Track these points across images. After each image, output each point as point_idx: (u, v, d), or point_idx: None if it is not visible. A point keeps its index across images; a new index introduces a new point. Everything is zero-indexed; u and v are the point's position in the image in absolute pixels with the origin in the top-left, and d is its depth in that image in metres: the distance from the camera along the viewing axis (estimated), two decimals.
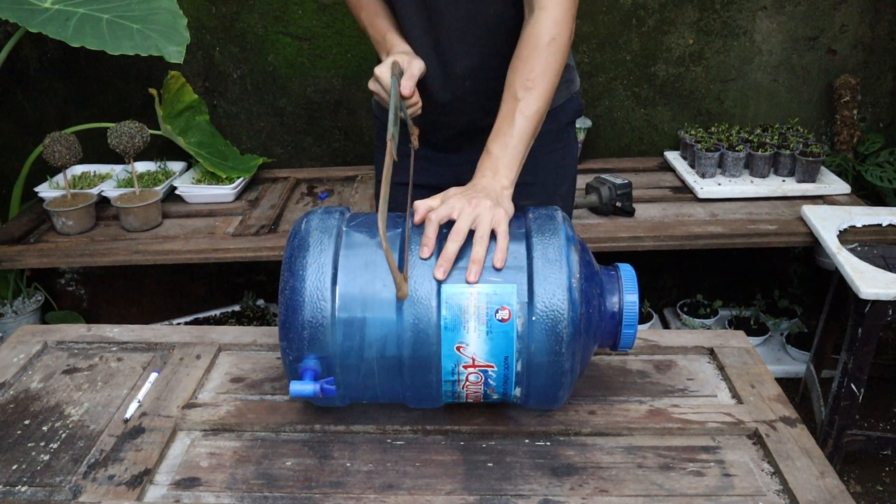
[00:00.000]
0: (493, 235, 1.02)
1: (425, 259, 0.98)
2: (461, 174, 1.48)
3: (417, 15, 1.34)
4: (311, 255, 0.99)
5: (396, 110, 1.19)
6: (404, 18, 1.37)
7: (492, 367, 0.99)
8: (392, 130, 1.11)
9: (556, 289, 0.97)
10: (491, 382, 1.01)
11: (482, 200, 1.04)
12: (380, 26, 1.39)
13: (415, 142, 1.36)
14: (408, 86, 1.27)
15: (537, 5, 1.22)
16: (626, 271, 1.07)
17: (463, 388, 1.02)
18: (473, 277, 0.97)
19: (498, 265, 0.98)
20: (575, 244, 1.02)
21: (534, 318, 0.97)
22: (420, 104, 1.35)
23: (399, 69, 1.29)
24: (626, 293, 1.05)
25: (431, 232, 1.00)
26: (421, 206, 1.05)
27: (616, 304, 1.05)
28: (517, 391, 1.03)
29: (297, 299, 0.97)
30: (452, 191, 1.09)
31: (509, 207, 1.07)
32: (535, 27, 1.21)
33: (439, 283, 0.97)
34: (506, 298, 0.97)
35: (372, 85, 1.32)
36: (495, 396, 1.05)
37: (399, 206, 1.57)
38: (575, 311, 0.97)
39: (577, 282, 0.98)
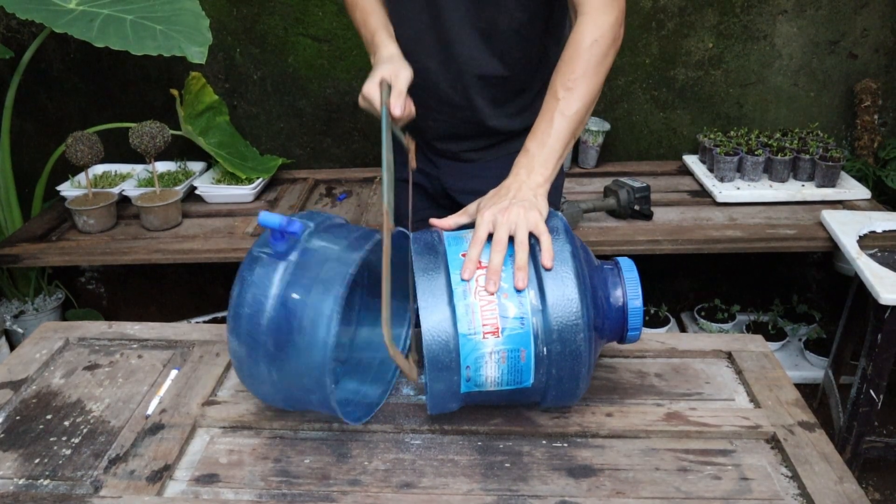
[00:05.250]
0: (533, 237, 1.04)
1: (466, 280, 0.99)
2: (469, 183, 1.50)
3: (423, 14, 1.35)
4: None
5: (389, 137, 1.15)
6: (407, 16, 1.37)
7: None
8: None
9: (567, 290, 0.98)
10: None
11: (514, 208, 1.05)
12: (371, 25, 1.37)
13: (412, 161, 1.34)
14: (398, 105, 1.22)
15: (580, 10, 1.23)
16: (627, 265, 1.09)
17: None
18: (522, 284, 0.98)
19: (548, 264, 1.00)
20: (576, 242, 1.03)
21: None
22: (413, 111, 1.31)
23: (387, 86, 1.24)
24: (629, 286, 1.06)
25: (475, 253, 1.02)
26: (446, 223, 1.09)
27: (620, 299, 1.06)
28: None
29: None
30: (485, 201, 1.10)
31: (544, 206, 1.09)
32: (577, 31, 1.22)
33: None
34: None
35: (361, 102, 1.28)
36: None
37: (400, 202, 1.60)
38: (587, 308, 0.98)
39: (582, 273, 1.00)
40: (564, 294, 0.98)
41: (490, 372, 0.99)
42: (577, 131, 1.20)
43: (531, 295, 0.99)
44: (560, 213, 1.10)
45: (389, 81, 1.25)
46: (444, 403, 1.03)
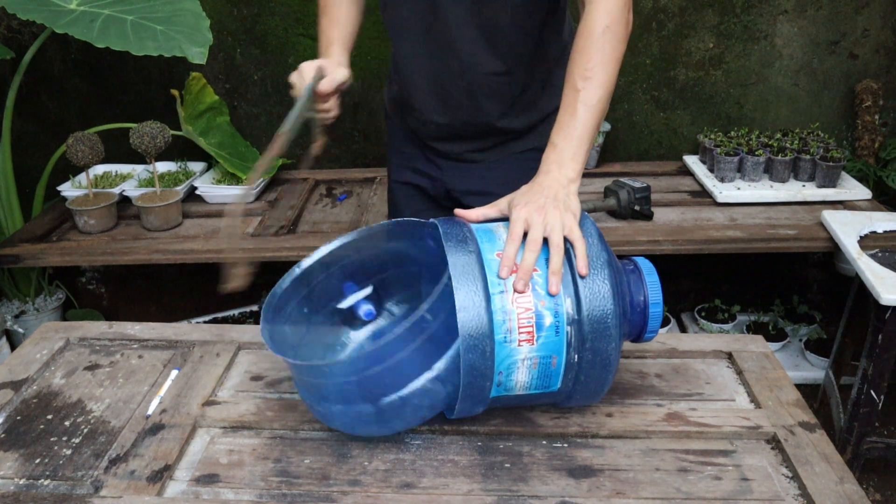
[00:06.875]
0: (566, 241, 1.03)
1: (504, 279, 0.98)
2: (478, 184, 1.50)
3: (424, 13, 1.35)
4: None
5: (302, 110, 1.23)
6: (408, 17, 1.38)
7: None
8: (287, 128, 1.16)
9: (603, 300, 0.98)
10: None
11: (550, 209, 1.04)
12: (331, 36, 1.41)
13: (315, 149, 1.37)
14: (327, 85, 1.29)
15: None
16: (647, 267, 1.09)
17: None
18: (555, 289, 0.98)
19: (583, 272, 0.99)
20: (605, 245, 1.04)
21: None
22: (335, 113, 1.36)
23: (321, 73, 1.30)
24: (651, 290, 1.06)
25: (512, 252, 1.00)
26: (473, 215, 1.09)
27: (642, 302, 1.06)
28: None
29: None
30: (518, 197, 1.09)
31: (576, 206, 1.08)
32: (587, 19, 1.20)
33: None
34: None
35: (293, 76, 1.32)
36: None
37: (400, 204, 1.60)
38: (617, 310, 0.98)
39: (616, 282, 1.00)
40: (601, 305, 0.98)
41: (521, 377, 0.99)
42: (601, 121, 1.19)
43: (567, 303, 0.98)
44: (588, 215, 1.09)
45: (326, 71, 1.31)
46: (471, 408, 1.03)
